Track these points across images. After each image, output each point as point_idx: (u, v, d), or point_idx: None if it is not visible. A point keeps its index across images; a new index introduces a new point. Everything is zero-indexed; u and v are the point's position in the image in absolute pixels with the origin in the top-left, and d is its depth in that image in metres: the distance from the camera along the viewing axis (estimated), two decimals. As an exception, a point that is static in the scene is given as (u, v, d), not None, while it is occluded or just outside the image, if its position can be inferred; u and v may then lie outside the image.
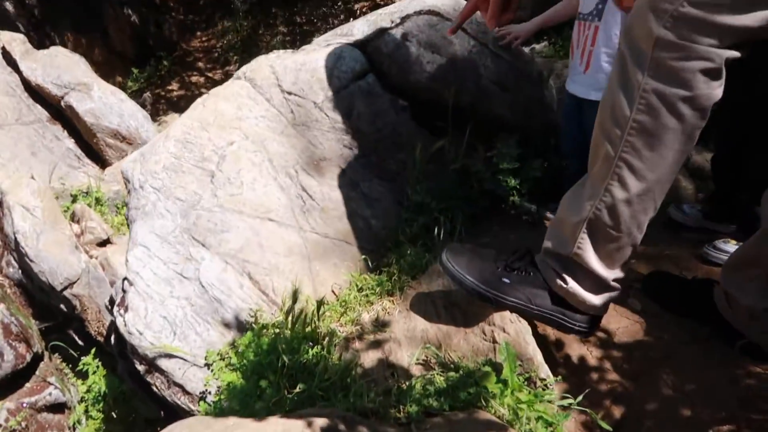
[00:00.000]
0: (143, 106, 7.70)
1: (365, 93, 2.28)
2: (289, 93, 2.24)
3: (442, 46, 2.24)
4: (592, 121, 2.04)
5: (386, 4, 8.23)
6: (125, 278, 1.80)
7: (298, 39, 8.09)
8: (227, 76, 8.11)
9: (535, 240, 2.05)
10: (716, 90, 1.05)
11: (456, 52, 2.25)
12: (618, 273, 1.32)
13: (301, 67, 2.26)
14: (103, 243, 2.98)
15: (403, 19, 2.27)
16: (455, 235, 2.10)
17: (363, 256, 2.01)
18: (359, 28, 2.37)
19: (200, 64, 8.30)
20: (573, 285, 1.32)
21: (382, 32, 2.29)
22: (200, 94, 7.94)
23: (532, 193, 2.27)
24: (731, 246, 1.82)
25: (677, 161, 1.13)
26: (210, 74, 8.12)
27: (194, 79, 8.07)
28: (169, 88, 7.90)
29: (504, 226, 2.27)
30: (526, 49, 4.01)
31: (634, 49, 1.07)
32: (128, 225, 1.93)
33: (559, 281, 1.34)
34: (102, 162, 4.39)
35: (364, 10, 8.18)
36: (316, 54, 2.31)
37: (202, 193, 1.94)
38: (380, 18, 2.34)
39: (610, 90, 1.15)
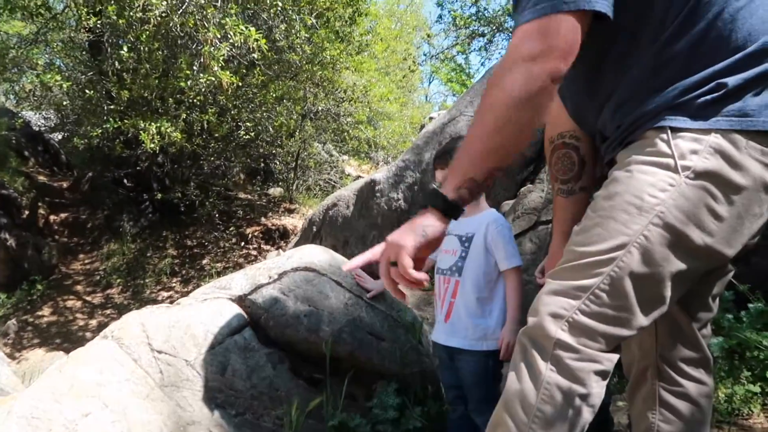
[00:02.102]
0: (5, 335, 7.04)
1: (241, 348, 2.24)
2: (160, 351, 2.16)
3: (318, 300, 2.32)
4: (464, 367, 2.14)
5: (277, 229, 8.65)
6: None
7: (187, 262, 8.11)
8: (107, 299, 7.76)
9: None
10: (604, 389, 1.15)
11: (332, 305, 2.33)
12: None
13: (175, 324, 2.22)
14: None
15: (281, 275, 2.36)
16: (335, 505, 1.95)
17: None
18: (238, 282, 2.42)
19: (79, 287, 7.93)
20: None
21: (260, 287, 2.35)
22: (74, 320, 7.46)
23: (414, 445, 2.22)
24: None
25: None
26: (89, 298, 7.74)
27: (70, 303, 7.63)
28: (40, 314, 7.36)
29: (388, 484, 2.15)
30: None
31: (537, 343, 1.16)
32: None
33: None
34: (-63, 413, 3.79)
35: (255, 234, 8.50)
36: (191, 309, 2.29)
37: (42, 481, 1.70)
38: (258, 273, 2.42)
39: (516, 375, 1.19)
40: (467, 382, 2.15)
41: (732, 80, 1.07)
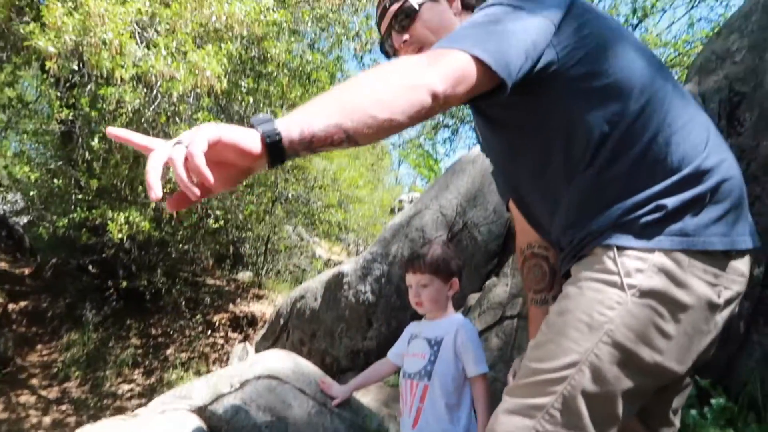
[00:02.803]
0: (-49, 436, 6.59)
1: (199, 463, 2.16)
2: (113, 471, 2.06)
3: (281, 410, 2.27)
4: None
5: (245, 317, 8.49)
6: None
7: (151, 352, 7.84)
8: (64, 393, 7.39)
9: None
10: None
11: (296, 414, 2.28)
12: None
13: (130, 440, 2.14)
14: None
15: (243, 384, 2.32)
16: None
17: None
18: (198, 392, 2.36)
19: (34, 381, 7.55)
20: None
21: (221, 396, 2.30)
22: (27, 417, 7.07)
23: None
24: None
25: None
26: (44, 392, 7.35)
27: (23, 399, 7.23)
28: (-11, 411, 6.94)
29: None
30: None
31: None
32: None
33: None
34: None
35: (223, 322, 8.32)
36: (149, 422, 2.21)
37: None
38: (220, 381, 2.37)
39: None
40: (433, 491, 2.10)
41: (671, 202, 1.13)
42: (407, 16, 1.45)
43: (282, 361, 2.44)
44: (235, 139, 0.89)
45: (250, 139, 0.90)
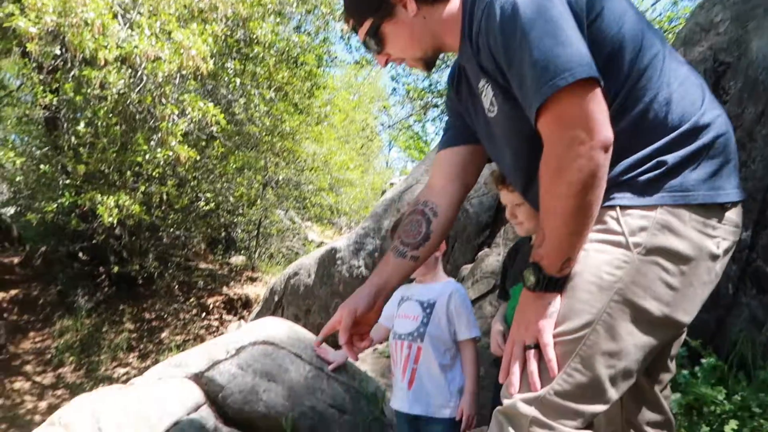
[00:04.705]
0: (-54, 423, 6.58)
1: (198, 428, 2.17)
2: (111, 438, 2.07)
3: (278, 374, 2.29)
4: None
5: (239, 299, 8.50)
6: None
7: (145, 336, 7.84)
8: (59, 379, 7.39)
9: None
10: None
11: (292, 378, 2.30)
12: None
13: (127, 407, 2.14)
14: None
15: (239, 350, 2.33)
16: None
17: None
18: (194, 360, 2.37)
19: (28, 367, 7.53)
20: None
21: (217, 363, 2.30)
22: (22, 403, 7.06)
23: None
24: None
25: None
26: (38, 378, 7.34)
27: (18, 385, 7.22)
28: (-15, 398, 6.93)
29: None
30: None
31: (513, 421, 1.18)
32: None
33: None
34: None
35: (217, 304, 8.33)
36: (145, 390, 2.22)
37: None
38: (216, 348, 2.37)
39: None
40: (431, 449, 2.12)
41: (671, 158, 1.15)
42: (375, 43, 1.45)
43: (277, 327, 2.45)
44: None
45: (557, 302, 1.17)
